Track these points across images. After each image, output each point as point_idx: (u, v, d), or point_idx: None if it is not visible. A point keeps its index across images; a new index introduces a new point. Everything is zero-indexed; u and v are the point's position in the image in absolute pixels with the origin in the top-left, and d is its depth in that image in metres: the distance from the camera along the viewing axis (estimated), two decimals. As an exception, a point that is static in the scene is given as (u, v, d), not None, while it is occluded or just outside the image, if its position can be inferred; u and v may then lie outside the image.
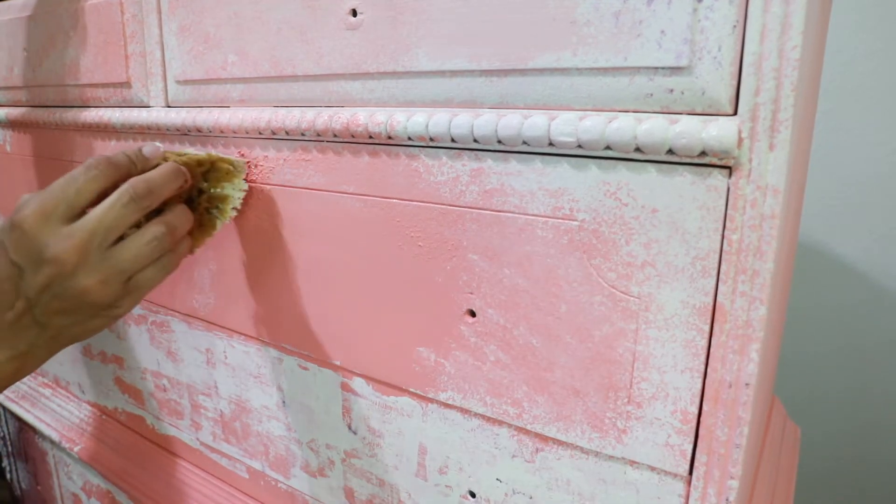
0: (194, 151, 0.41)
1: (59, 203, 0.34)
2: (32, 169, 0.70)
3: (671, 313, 0.30)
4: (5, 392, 0.83)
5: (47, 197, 0.35)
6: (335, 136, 0.39)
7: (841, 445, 0.84)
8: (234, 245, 0.50)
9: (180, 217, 0.39)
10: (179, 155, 0.39)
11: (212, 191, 0.41)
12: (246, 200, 0.47)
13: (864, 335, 0.80)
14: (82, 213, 0.36)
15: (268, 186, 0.45)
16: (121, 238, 0.37)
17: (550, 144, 0.31)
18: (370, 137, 0.38)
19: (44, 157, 0.68)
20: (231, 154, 0.40)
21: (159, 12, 0.50)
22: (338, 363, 0.45)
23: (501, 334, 0.36)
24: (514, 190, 0.33)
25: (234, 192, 0.40)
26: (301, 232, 0.44)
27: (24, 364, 0.37)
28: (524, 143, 0.32)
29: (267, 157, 0.45)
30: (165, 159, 0.40)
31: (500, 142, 0.33)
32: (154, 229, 0.37)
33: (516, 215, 0.34)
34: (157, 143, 0.39)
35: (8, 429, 0.90)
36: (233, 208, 0.41)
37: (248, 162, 0.40)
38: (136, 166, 0.38)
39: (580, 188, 0.31)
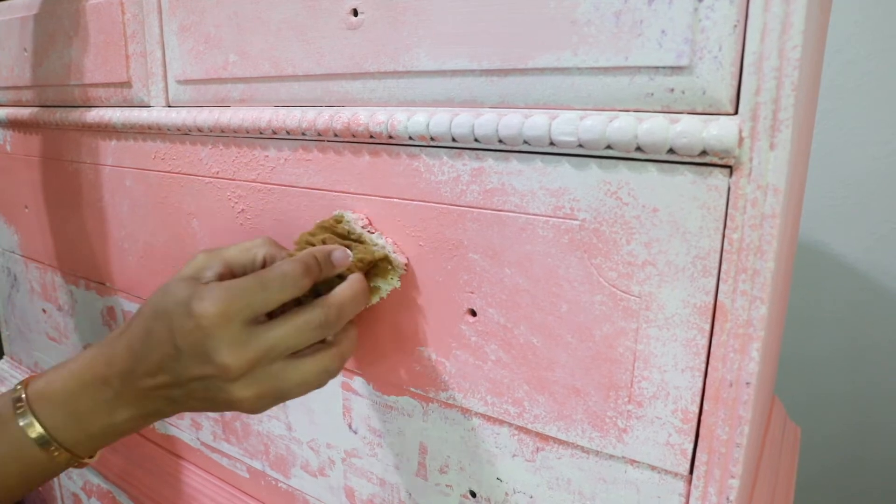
0: (367, 236, 0.38)
1: (245, 308, 0.32)
2: (33, 169, 0.70)
3: (672, 312, 0.30)
4: (5, 392, 0.83)
5: (233, 296, 0.32)
6: (336, 135, 0.39)
7: (841, 445, 0.84)
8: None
9: (352, 343, 0.37)
10: (359, 254, 0.37)
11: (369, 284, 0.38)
12: (247, 196, 0.47)
13: (864, 335, 0.80)
14: (263, 317, 0.34)
15: (268, 186, 0.46)
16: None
17: (551, 144, 0.31)
18: (371, 137, 0.38)
19: (44, 157, 0.68)
20: (385, 253, 0.38)
21: (160, 12, 0.50)
22: (338, 363, 0.45)
23: (502, 334, 0.36)
24: (515, 189, 0.33)
25: (385, 286, 0.38)
26: (300, 231, 0.44)
27: (146, 422, 0.36)
28: (525, 142, 0.32)
29: (268, 156, 0.45)
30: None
31: (500, 141, 0.33)
32: (328, 365, 0.35)
33: (517, 215, 0.34)
34: (348, 252, 0.37)
35: (8, 429, 0.90)
36: (378, 298, 0.39)
37: (406, 262, 0.39)
38: (322, 272, 0.35)
39: (581, 187, 0.31)
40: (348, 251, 0.37)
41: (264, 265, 0.37)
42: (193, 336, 0.32)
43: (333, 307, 0.34)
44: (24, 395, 0.36)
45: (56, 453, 0.35)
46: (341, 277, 0.36)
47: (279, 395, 0.34)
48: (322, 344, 0.35)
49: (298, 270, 0.34)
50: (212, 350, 0.32)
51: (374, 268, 0.38)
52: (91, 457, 0.38)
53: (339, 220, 0.39)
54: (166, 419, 0.60)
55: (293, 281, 0.33)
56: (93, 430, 0.35)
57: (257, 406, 0.34)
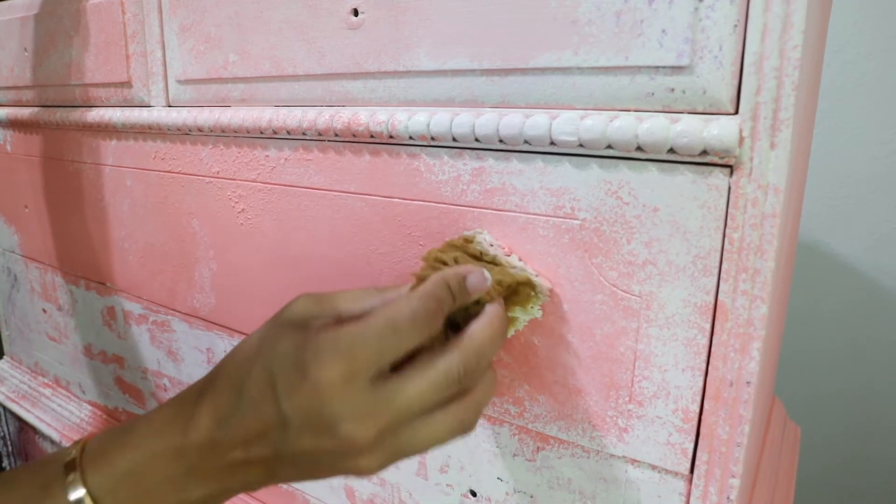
0: (503, 258, 0.33)
1: (372, 365, 0.26)
2: (33, 169, 0.70)
3: (672, 312, 0.30)
4: (5, 392, 0.83)
5: (357, 350, 0.26)
6: (336, 135, 0.40)
7: (841, 445, 0.84)
8: (234, 245, 0.50)
9: (490, 390, 0.29)
10: (498, 276, 0.31)
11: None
12: (247, 196, 0.47)
13: (864, 335, 0.80)
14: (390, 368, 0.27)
15: (269, 186, 0.46)
16: None
17: (552, 143, 0.31)
18: (371, 137, 0.38)
19: (44, 157, 0.68)
20: (528, 276, 0.33)
21: (160, 12, 0.50)
22: (339, 362, 0.45)
23: (502, 333, 0.36)
24: (516, 189, 0.34)
25: (524, 316, 0.33)
26: (301, 231, 0.44)
27: (221, 499, 0.29)
28: (525, 142, 0.32)
29: (268, 156, 0.45)
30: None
31: (501, 141, 0.33)
32: (462, 415, 0.28)
33: (517, 214, 0.34)
34: (486, 274, 0.30)
35: (8, 429, 0.90)
36: (513, 330, 0.33)
37: (550, 289, 0.33)
38: (456, 302, 0.29)
39: (581, 187, 0.31)
40: (486, 273, 0.31)
41: None
42: (308, 402, 0.26)
43: (473, 352, 0.28)
44: (77, 460, 0.29)
45: None
46: (478, 303, 0.30)
47: (403, 457, 0.28)
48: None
49: (432, 308, 0.27)
50: (334, 420, 0.25)
51: (514, 294, 0.32)
52: None
53: (469, 240, 0.34)
54: None
55: (425, 322, 0.27)
56: None
57: (377, 472, 0.27)
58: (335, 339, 0.26)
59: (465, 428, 0.28)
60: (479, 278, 0.30)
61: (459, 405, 0.28)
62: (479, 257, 0.33)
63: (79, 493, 0.28)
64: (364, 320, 0.27)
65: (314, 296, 0.30)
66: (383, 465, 0.27)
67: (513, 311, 0.32)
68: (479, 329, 0.28)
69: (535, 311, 0.33)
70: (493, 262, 0.33)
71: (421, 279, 0.31)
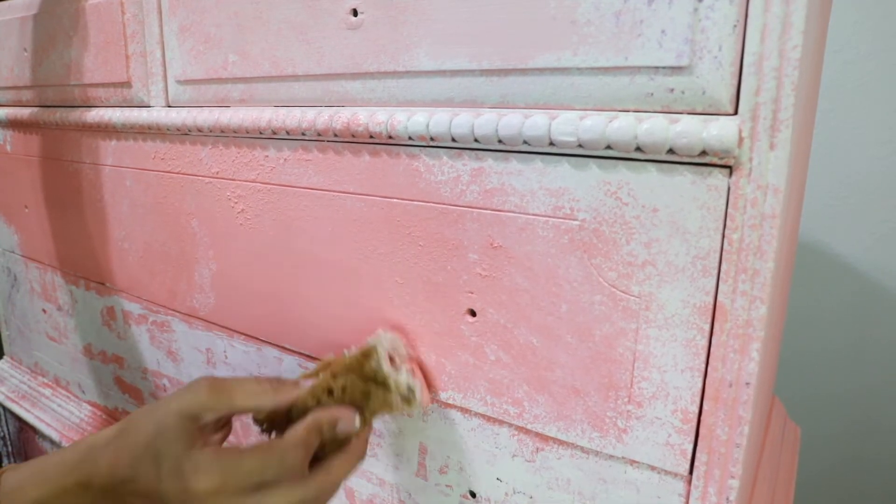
0: (393, 377, 0.37)
1: (239, 486, 0.32)
2: (33, 169, 0.70)
3: (672, 312, 0.30)
4: (5, 392, 0.83)
5: (230, 474, 0.32)
6: (336, 135, 0.39)
7: (841, 445, 0.84)
8: (234, 245, 0.50)
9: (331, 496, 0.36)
10: (372, 401, 0.36)
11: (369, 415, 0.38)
12: (247, 196, 0.47)
13: (864, 335, 0.80)
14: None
15: (268, 186, 0.46)
16: None
17: (551, 144, 0.31)
18: (371, 137, 0.38)
19: (44, 157, 0.68)
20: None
21: (160, 12, 0.50)
22: (338, 363, 0.45)
23: (502, 334, 0.36)
24: (515, 189, 0.33)
25: (393, 414, 0.38)
26: (300, 231, 0.44)
27: None
28: (525, 142, 0.32)
29: (267, 156, 0.45)
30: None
31: (500, 141, 0.33)
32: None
33: (517, 215, 0.34)
34: (355, 422, 0.36)
35: (8, 429, 0.90)
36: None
37: (431, 399, 0.38)
38: (325, 439, 0.35)
39: (581, 188, 0.31)
40: (356, 420, 0.36)
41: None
42: (181, 499, 0.32)
43: (326, 485, 0.34)
44: None
45: None
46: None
47: None
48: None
49: (300, 458, 0.33)
50: None
51: (389, 408, 0.37)
52: None
53: (367, 355, 0.37)
54: None
55: (291, 469, 0.33)
56: None
57: None
58: (213, 461, 0.33)
59: None
60: (349, 425, 0.36)
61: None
62: (372, 377, 0.37)
63: None
64: (242, 453, 0.33)
65: (215, 387, 0.35)
66: None
67: (384, 411, 0.37)
68: (337, 466, 0.35)
69: (403, 413, 0.38)
70: (383, 384, 0.37)
71: (301, 403, 0.36)
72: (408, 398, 0.37)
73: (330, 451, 0.36)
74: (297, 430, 0.34)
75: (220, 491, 0.32)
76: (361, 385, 0.36)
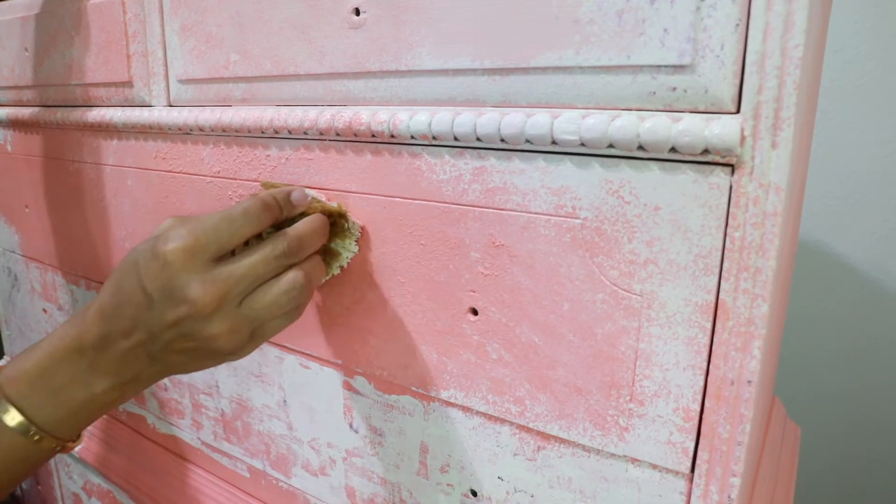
0: (317, 195, 0.41)
1: (211, 243, 0.33)
2: (34, 168, 0.70)
3: (673, 311, 0.30)
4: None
5: (198, 233, 0.32)
6: (338, 134, 0.40)
7: (841, 445, 0.84)
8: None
9: (318, 269, 0.37)
10: (316, 200, 0.39)
11: (328, 244, 0.40)
12: (248, 195, 0.47)
13: (864, 335, 0.80)
14: (229, 253, 0.34)
15: (270, 185, 0.46)
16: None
17: (553, 143, 0.31)
18: (373, 136, 0.38)
19: (45, 157, 0.68)
20: (342, 208, 0.40)
21: (161, 12, 0.50)
22: (339, 362, 0.45)
23: (504, 332, 0.36)
24: (517, 188, 0.34)
25: (345, 251, 0.40)
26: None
27: (125, 393, 0.35)
28: (527, 141, 0.32)
29: (269, 156, 0.45)
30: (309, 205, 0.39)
31: (502, 140, 0.33)
32: (294, 279, 0.35)
33: (519, 213, 0.34)
34: (306, 191, 0.38)
35: (8, 429, 0.90)
36: (339, 266, 0.41)
37: (362, 227, 0.41)
38: (283, 212, 0.37)
39: (583, 186, 0.31)
40: (307, 191, 0.38)
41: None
42: (162, 276, 0.32)
43: (295, 237, 0.35)
44: None
45: (38, 438, 0.34)
46: (302, 215, 0.38)
47: (254, 326, 0.34)
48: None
49: (259, 205, 0.35)
50: (181, 287, 0.32)
51: (334, 227, 0.40)
52: (76, 439, 0.37)
53: (314, 199, 0.40)
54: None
55: (255, 216, 0.34)
56: (73, 406, 0.34)
57: (234, 342, 0.33)
58: (181, 227, 0.33)
59: (298, 290, 0.35)
60: (301, 194, 0.38)
61: (291, 272, 0.35)
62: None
63: (2, 407, 0.34)
64: (206, 215, 0.34)
65: (178, 216, 0.36)
66: (233, 329, 0.33)
67: (334, 242, 0.40)
68: (301, 223, 0.37)
69: (353, 247, 0.40)
70: (315, 200, 0.40)
71: (253, 195, 0.38)
72: (340, 209, 0.40)
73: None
74: (249, 198, 0.36)
75: (193, 250, 0.32)
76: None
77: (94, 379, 0.34)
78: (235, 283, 0.33)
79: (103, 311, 0.34)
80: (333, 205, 0.40)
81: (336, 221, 0.40)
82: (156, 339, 0.33)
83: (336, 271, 0.41)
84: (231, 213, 0.34)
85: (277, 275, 0.35)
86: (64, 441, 0.36)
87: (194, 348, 0.33)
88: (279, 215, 0.36)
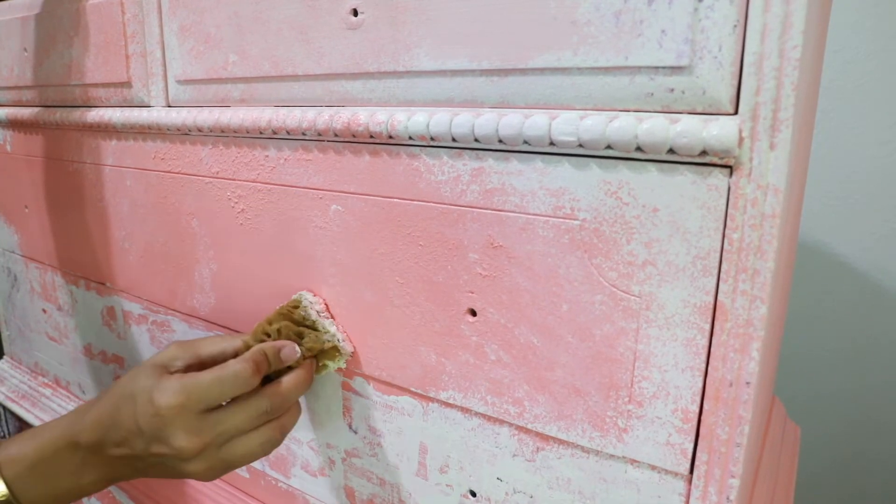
0: (321, 322, 0.43)
1: (200, 402, 0.37)
2: (33, 169, 0.70)
3: (672, 312, 0.30)
4: (5, 392, 0.83)
5: (191, 391, 0.37)
6: (336, 135, 0.40)
7: (841, 445, 0.84)
8: (234, 245, 0.50)
9: (294, 418, 0.41)
10: (305, 337, 0.42)
11: (318, 362, 0.43)
12: (247, 196, 0.47)
13: (864, 335, 0.80)
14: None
15: (269, 186, 0.46)
16: None
17: (551, 144, 0.31)
18: (371, 137, 0.38)
19: (45, 157, 0.68)
20: (335, 342, 0.43)
21: (160, 12, 0.50)
22: (338, 363, 0.45)
23: (502, 333, 0.36)
24: (515, 189, 0.33)
25: (332, 365, 0.43)
26: (301, 231, 0.44)
27: (106, 485, 0.40)
28: (525, 142, 0.32)
29: (268, 156, 0.45)
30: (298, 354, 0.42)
31: (500, 141, 0.33)
32: (271, 436, 0.39)
33: (517, 215, 0.34)
34: (296, 349, 0.41)
35: (8, 429, 0.90)
36: (326, 372, 0.44)
37: (353, 351, 0.44)
38: (272, 367, 0.40)
39: (581, 187, 0.31)
40: (297, 348, 0.41)
41: (235, 356, 0.41)
42: (154, 423, 0.37)
43: (279, 396, 0.40)
44: None
45: None
46: (290, 368, 0.41)
47: (227, 466, 0.39)
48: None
49: (249, 371, 0.38)
50: (169, 436, 0.37)
51: (322, 353, 0.43)
52: None
53: (296, 306, 0.43)
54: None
55: (244, 380, 0.38)
56: (58, 492, 0.39)
57: (208, 476, 0.38)
58: (177, 383, 0.37)
59: (272, 444, 0.40)
60: (291, 352, 0.41)
61: (268, 427, 0.39)
62: (301, 322, 0.43)
63: (1, 489, 0.38)
64: (201, 373, 0.38)
65: (182, 342, 0.42)
66: (209, 468, 0.38)
67: (323, 361, 0.43)
68: (286, 380, 0.40)
69: (341, 363, 0.44)
70: (313, 327, 0.43)
71: (248, 346, 0.41)
72: (333, 345, 0.42)
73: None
74: (245, 354, 0.39)
75: (184, 406, 0.37)
76: (294, 328, 0.42)
77: (83, 473, 0.39)
78: (217, 436, 0.37)
79: (101, 421, 0.38)
80: (328, 339, 0.42)
81: (325, 351, 0.42)
82: (141, 459, 0.38)
83: (321, 375, 0.44)
84: (223, 375, 0.38)
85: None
86: None
87: (171, 474, 0.39)
88: (267, 372, 0.40)
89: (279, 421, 0.40)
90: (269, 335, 0.42)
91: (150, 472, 0.39)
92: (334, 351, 0.43)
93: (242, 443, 0.38)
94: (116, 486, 0.66)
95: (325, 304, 0.44)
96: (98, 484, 0.40)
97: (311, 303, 0.43)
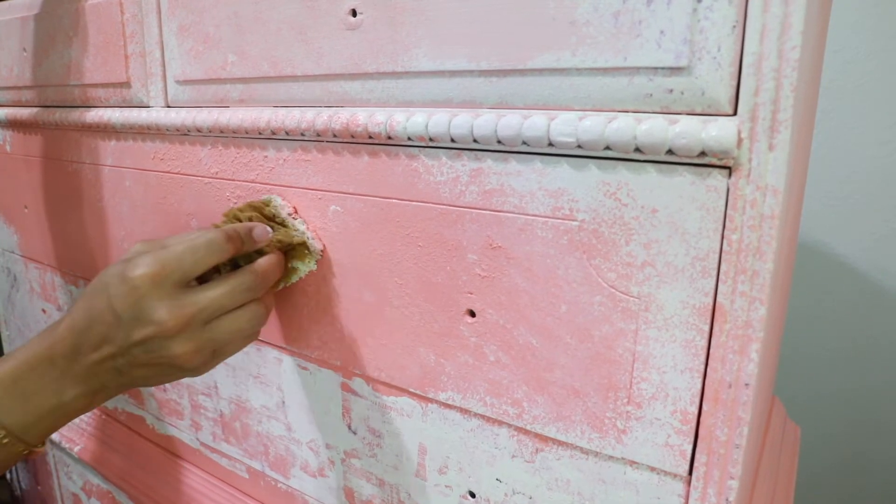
0: (290, 221, 0.42)
1: (175, 270, 0.35)
2: (33, 169, 0.70)
3: (671, 313, 0.30)
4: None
5: (164, 260, 0.35)
6: (335, 136, 0.39)
7: (841, 445, 0.84)
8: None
9: (272, 300, 0.41)
10: (278, 234, 0.41)
11: (287, 263, 0.43)
12: (246, 196, 0.47)
13: (864, 335, 0.80)
14: (191, 281, 0.36)
15: (267, 186, 0.46)
16: None
17: (550, 144, 0.31)
18: (370, 137, 0.38)
19: (44, 158, 0.68)
20: (302, 237, 0.42)
21: (159, 12, 0.50)
22: (337, 363, 0.45)
23: (501, 334, 0.36)
24: (514, 190, 0.33)
25: (303, 267, 0.42)
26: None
27: (92, 402, 0.37)
28: (524, 143, 0.32)
29: (267, 157, 0.45)
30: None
31: (499, 142, 0.33)
32: (257, 310, 0.38)
33: (516, 215, 0.34)
34: (268, 229, 0.40)
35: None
36: (296, 278, 0.43)
37: (323, 248, 0.43)
38: (245, 246, 0.38)
39: (580, 188, 0.31)
40: (268, 228, 0.40)
41: None
42: (130, 299, 0.34)
43: (259, 273, 0.38)
44: None
45: (6, 441, 0.35)
46: (260, 253, 0.40)
47: (216, 347, 0.36)
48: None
49: (222, 237, 0.36)
50: (148, 309, 0.34)
51: (293, 250, 0.42)
52: (41, 445, 0.38)
53: (266, 203, 0.42)
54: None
55: (218, 246, 0.36)
56: (41, 412, 0.36)
57: (196, 360, 0.36)
58: (148, 255, 0.35)
59: (258, 319, 0.38)
60: (262, 231, 0.39)
61: (253, 304, 0.38)
62: (271, 218, 0.42)
63: None
64: (172, 244, 0.36)
65: (148, 240, 0.38)
66: (197, 349, 0.35)
67: (293, 262, 0.42)
68: (263, 260, 0.39)
69: (311, 265, 0.42)
70: (282, 224, 0.42)
71: (216, 227, 0.39)
72: (302, 239, 0.42)
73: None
74: (213, 229, 0.38)
75: (159, 275, 0.34)
76: (265, 221, 0.41)
77: (64, 387, 0.36)
78: (200, 310, 0.35)
79: (74, 325, 0.36)
80: (297, 235, 0.42)
81: (295, 248, 0.42)
82: (123, 354, 0.35)
83: (291, 283, 0.43)
84: (195, 242, 0.36)
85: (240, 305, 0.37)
86: (31, 445, 0.37)
87: (158, 364, 0.35)
88: (240, 248, 0.38)
89: (262, 301, 0.39)
90: (239, 220, 0.41)
91: (135, 373, 0.36)
92: (303, 249, 0.42)
93: (229, 319, 0.36)
94: (116, 487, 0.66)
95: (295, 209, 0.44)
96: (81, 399, 0.37)
97: (281, 204, 0.43)
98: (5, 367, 0.36)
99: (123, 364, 0.35)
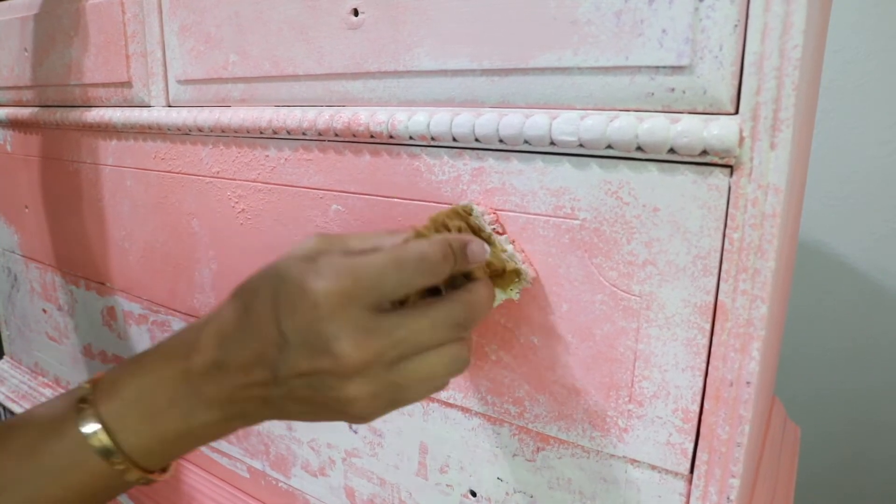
0: (496, 238, 0.33)
1: (372, 290, 0.26)
2: (33, 169, 0.70)
3: (672, 312, 0.30)
4: (5, 392, 0.83)
5: (359, 274, 0.26)
6: (336, 135, 0.40)
7: (841, 445, 0.84)
8: (234, 245, 0.50)
9: (473, 338, 0.32)
10: (493, 254, 0.32)
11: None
12: (247, 196, 0.47)
13: (864, 335, 0.80)
14: (389, 305, 0.28)
15: (269, 186, 0.46)
16: None
17: (552, 143, 0.31)
18: (371, 137, 0.38)
19: (44, 157, 0.68)
20: (518, 264, 0.33)
21: (160, 12, 0.50)
22: (339, 362, 0.45)
23: (503, 333, 0.36)
24: (516, 189, 0.33)
25: (501, 296, 0.33)
26: (301, 231, 0.44)
27: (224, 431, 0.30)
28: (525, 142, 0.32)
29: (268, 156, 0.45)
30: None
31: (501, 141, 0.33)
32: (457, 351, 0.28)
33: (518, 214, 0.34)
34: (486, 247, 0.30)
35: (8, 429, 0.90)
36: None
37: (535, 276, 0.34)
38: (457, 265, 0.29)
39: (581, 187, 0.31)
40: (486, 247, 0.30)
41: None
42: (305, 318, 0.26)
43: (474, 305, 0.29)
44: (89, 395, 0.29)
45: (122, 468, 0.28)
46: (466, 276, 0.30)
47: (397, 397, 0.28)
48: None
49: (439, 255, 0.27)
50: (327, 336, 0.25)
51: (499, 276, 0.32)
52: (164, 470, 0.31)
53: (469, 212, 0.33)
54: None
55: (432, 266, 0.27)
56: (166, 436, 0.29)
57: (369, 409, 0.27)
58: (340, 263, 0.26)
59: (459, 366, 0.28)
60: (480, 249, 0.30)
61: (455, 346, 0.28)
62: (477, 231, 0.33)
63: (90, 424, 0.28)
64: (371, 253, 0.27)
65: (326, 234, 0.30)
66: (375, 395, 0.27)
67: (496, 267, 0.32)
68: (480, 287, 0.29)
69: (513, 294, 0.33)
70: (488, 241, 0.33)
71: (420, 235, 0.31)
72: (515, 266, 0.33)
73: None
74: (430, 238, 0.29)
75: (351, 295, 0.26)
76: (472, 234, 0.32)
77: (195, 409, 0.28)
78: (393, 345, 0.26)
79: (223, 333, 0.28)
80: (508, 257, 0.33)
81: (506, 274, 0.32)
82: (280, 383, 0.27)
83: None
84: (403, 256, 0.27)
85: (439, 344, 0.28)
86: (149, 471, 0.30)
87: (320, 403, 0.27)
88: (454, 269, 0.29)
89: (467, 342, 0.29)
90: (448, 229, 0.32)
91: (288, 408, 0.28)
92: (513, 275, 0.33)
93: (424, 361, 0.27)
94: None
95: (497, 218, 0.35)
96: (213, 428, 0.29)
97: (483, 214, 0.34)
98: (131, 375, 0.29)
99: (277, 395, 0.27)
